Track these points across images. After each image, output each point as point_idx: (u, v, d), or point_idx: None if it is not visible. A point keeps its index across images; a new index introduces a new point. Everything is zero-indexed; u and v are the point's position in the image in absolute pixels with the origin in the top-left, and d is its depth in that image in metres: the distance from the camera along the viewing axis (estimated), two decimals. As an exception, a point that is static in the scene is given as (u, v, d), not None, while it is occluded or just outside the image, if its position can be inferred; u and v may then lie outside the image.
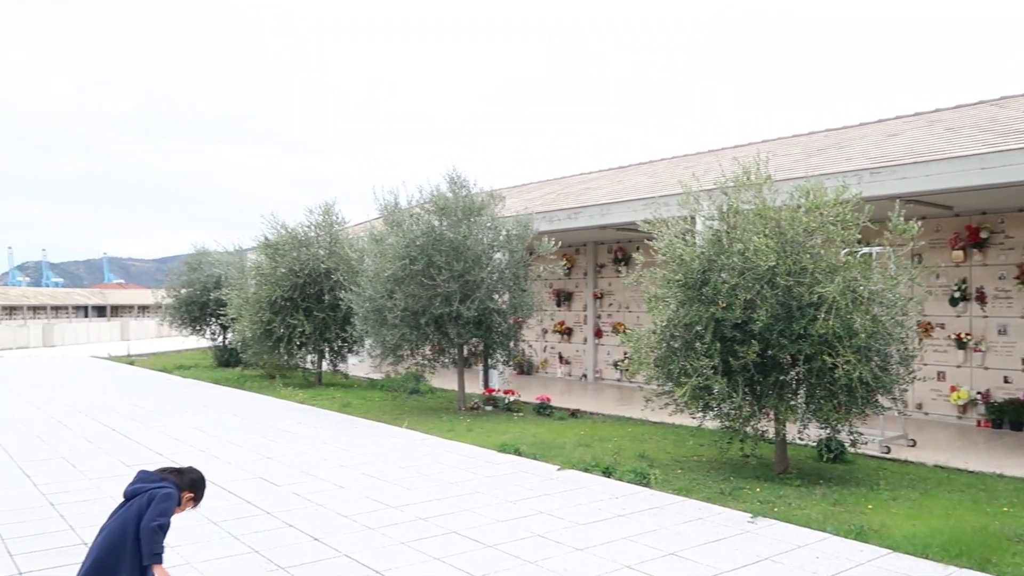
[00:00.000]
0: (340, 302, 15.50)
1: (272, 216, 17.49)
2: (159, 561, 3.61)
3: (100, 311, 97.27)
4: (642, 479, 8.11)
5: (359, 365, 20.30)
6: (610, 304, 18.47)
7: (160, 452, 9.89)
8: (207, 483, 4.14)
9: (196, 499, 3.99)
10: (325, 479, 8.40)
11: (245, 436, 11.14)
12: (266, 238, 17.39)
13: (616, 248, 18.06)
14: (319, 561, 5.74)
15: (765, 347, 7.82)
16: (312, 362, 18.41)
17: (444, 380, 16.62)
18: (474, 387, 15.08)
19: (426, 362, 14.19)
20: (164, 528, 3.65)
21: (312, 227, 17.31)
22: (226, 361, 22.78)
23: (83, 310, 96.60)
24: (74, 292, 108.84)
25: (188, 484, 3.93)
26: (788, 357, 8.04)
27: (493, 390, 14.37)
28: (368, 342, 14.81)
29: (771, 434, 8.67)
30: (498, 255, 13.28)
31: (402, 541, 6.21)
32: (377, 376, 18.35)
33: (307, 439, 10.89)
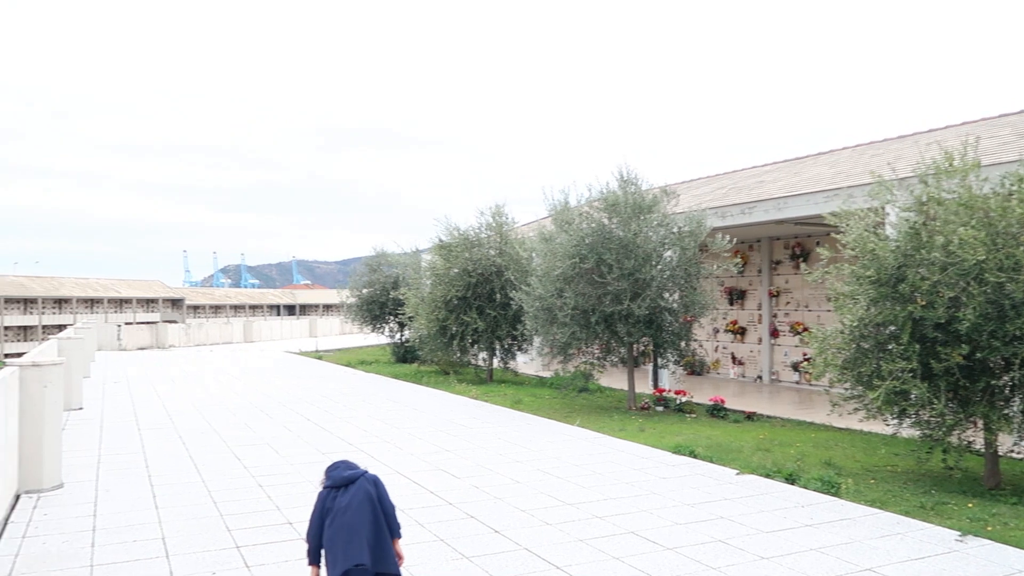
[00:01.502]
0: (511, 301, 15.87)
1: (445, 218, 18.22)
2: (400, 536, 4.24)
3: (290, 310, 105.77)
4: (830, 488, 7.65)
5: (528, 363, 20.67)
6: (787, 302, 17.59)
7: (351, 442, 10.58)
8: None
9: None
10: (501, 474, 8.62)
11: (424, 429, 11.67)
12: (440, 240, 18.14)
13: (794, 243, 17.17)
14: (501, 553, 5.90)
15: (973, 349, 7.13)
16: (483, 359, 18.97)
17: (612, 379, 16.56)
18: (643, 387, 14.91)
19: (595, 361, 14.21)
20: None
21: (483, 228, 17.83)
22: (403, 357, 23.98)
23: (275, 309, 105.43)
24: (268, 292, 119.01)
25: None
26: (1001, 360, 7.28)
27: (663, 390, 14.13)
28: (537, 340, 15.04)
29: (979, 445, 7.89)
30: (669, 253, 13.04)
31: (580, 538, 6.25)
32: (546, 374, 18.61)
33: (482, 434, 11.23)
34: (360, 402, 14.87)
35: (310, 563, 4.18)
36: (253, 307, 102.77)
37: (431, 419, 12.67)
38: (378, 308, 25.17)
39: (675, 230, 13.06)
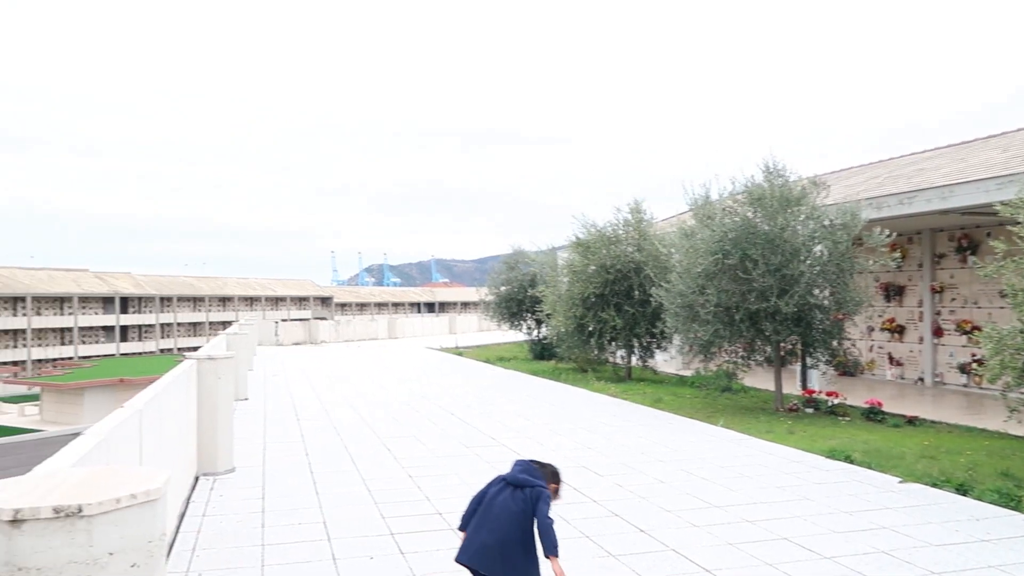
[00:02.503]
0: (650, 298, 15.64)
1: (583, 215, 18.22)
2: (557, 554, 3.91)
3: (430, 307, 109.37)
4: (1010, 501, 7.03)
5: (668, 361, 20.31)
6: (952, 299, 16.29)
7: (493, 436, 10.81)
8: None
9: (557, 492, 4.26)
10: (645, 472, 8.53)
11: (565, 426, 11.73)
12: (577, 237, 18.15)
13: (960, 235, 15.88)
14: (647, 553, 5.84)
15: None
16: (622, 357, 18.82)
17: (757, 379, 15.97)
18: (790, 387, 14.28)
19: (738, 359, 13.76)
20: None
21: (621, 225, 17.69)
22: (541, 354, 24.20)
23: (416, 306, 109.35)
24: (409, 291, 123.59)
25: (551, 476, 4.25)
26: None
27: (813, 391, 13.47)
28: (678, 338, 14.74)
29: None
30: (819, 247, 12.41)
31: (729, 542, 6.08)
32: (686, 372, 18.20)
33: (623, 432, 11.15)
34: (500, 398, 15.15)
35: (460, 528, 4.25)
36: (395, 305, 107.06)
37: (571, 416, 12.71)
38: (516, 305, 25.53)
39: (826, 223, 12.41)
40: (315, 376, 19.84)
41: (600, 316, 17.13)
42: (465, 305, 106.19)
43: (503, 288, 26.08)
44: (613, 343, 18.07)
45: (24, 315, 63.63)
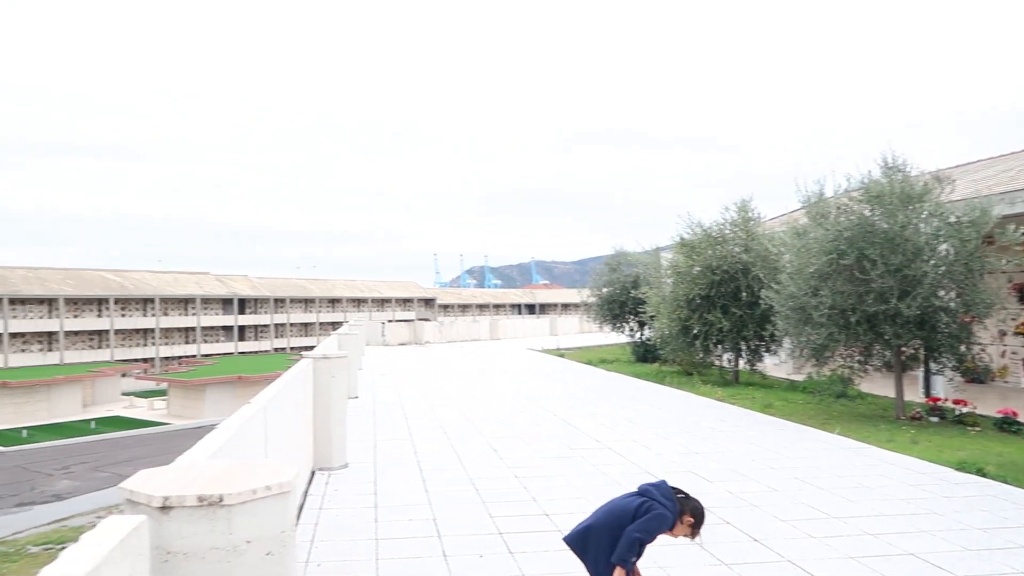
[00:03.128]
0: (758, 299, 15.17)
1: (688, 215, 17.85)
2: (624, 567, 3.83)
3: (530, 308, 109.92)
4: None
5: (778, 365, 19.64)
6: (1097, 301, 15.00)
7: (597, 439, 10.75)
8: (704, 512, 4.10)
9: (695, 527, 4.00)
10: (756, 479, 8.27)
11: (671, 430, 11.52)
12: (682, 237, 17.81)
13: (1106, 232, 14.58)
14: (763, 563, 5.66)
15: None
16: (728, 360, 18.32)
17: (874, 385, 15.21)
18: (912, 394, 13.53)
19: (854, 364, 13.13)
20: (642, 543, 3.86)
21: (728, 224, 17.23)
22: (644, 356, 23.88)
23: (516, 308, 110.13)
24: (509, 292, 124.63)
25: (690, 509, 4.00)
26: None
27: (938, 399, 12.70)
28: (789, 341, 14.21)
29: None
30: (944, 246, 11.69)
31: (850, 555, 5.81)
32: (798, 377, 17.55)
33: (731, 437, 10.85)
34: (603, 400, 15.04)
35: None
36: (496, 306, 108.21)
37: (676, 420, 12.48)
38: (618, 307, 25.31)
39: (951, 220, 11.68)
40: (421, 376, 20.29)
41: (706, 318, 16.74)
42: (565, 307, 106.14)
43: (605, 289, 25.89)
44: (719, 346, 17.62)
45: (153, 315, 68.15)
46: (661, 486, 4.02)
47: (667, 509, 3.88)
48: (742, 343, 17.27)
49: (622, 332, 26.21)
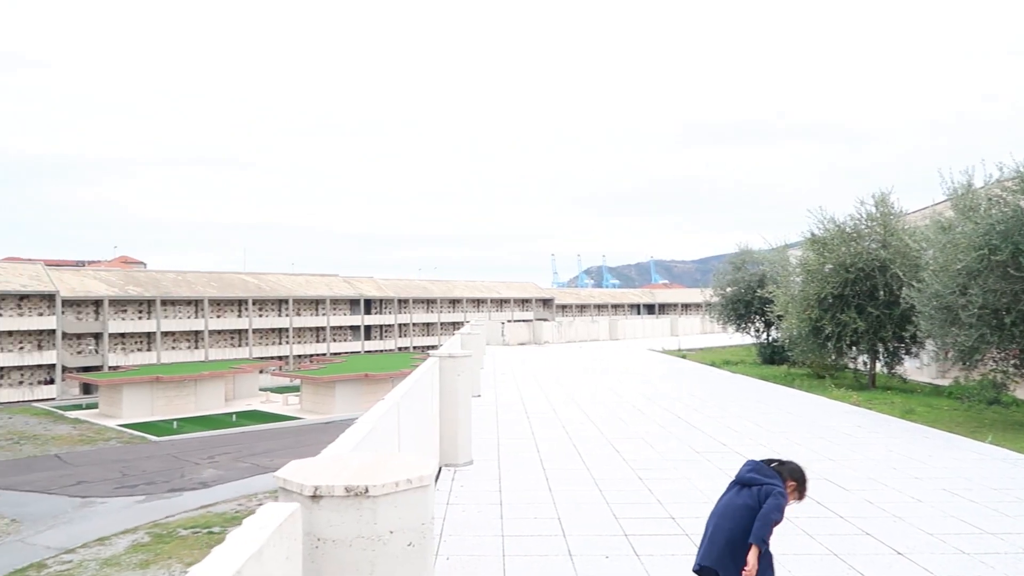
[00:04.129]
0: (898, 298, 14.31)
1: (819, 210, 17.07)
2: (760, 545, 3.81)
3: (649, 308, 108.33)
4: None
5: (920, 369, 18.45)
6: None
7: (723, 442, 10.45)
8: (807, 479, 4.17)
9: (799, 490, 4.06)
10: (898, 489, 7.80)
11: (802, 435, 11.05)
12: (812, 234, 17.06)
13: None
14: (908, 578, 5.33)
15: None
16: (864, 362, 17.38)
17: (1033, 391, 14.01)
18: (1078, 402, 12.35)
19: (1009, 368, 12.15)
20: (778, 522, 3.85)
21: (863, 219, 16.34)
22: (770, 358, 23.04)
23: (635, 308, 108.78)
24: (628, 292, 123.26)
25: (789, 472, 4.06)
26: None
27: (1109, 407, 11.55)
28: (932, 343, 13.32)
29: None
30: (1116, 239, 10.62)
31: (1007, 574, 5.37)
32: (943, 382, 16.43)
33: (869, 444, 10.28)
34: (729, 402, 14.61)
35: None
36: (614, 306, 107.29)
37: (808, 425, 11.95)
38: (743, 307, 24.56)
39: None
40: (542, 375, 20.41)
41: (839, 318, 15.94)
42: (686, 307, 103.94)
43: (729, 289, 25.18)
44: (854, 347, 16.75)
45: (287, 315, 72.08)
46: (758, 467, 4.04)
47: (776, 484, 3.94)
48: (879, 345, 16.34)
49: (747, 333, 25.42)
